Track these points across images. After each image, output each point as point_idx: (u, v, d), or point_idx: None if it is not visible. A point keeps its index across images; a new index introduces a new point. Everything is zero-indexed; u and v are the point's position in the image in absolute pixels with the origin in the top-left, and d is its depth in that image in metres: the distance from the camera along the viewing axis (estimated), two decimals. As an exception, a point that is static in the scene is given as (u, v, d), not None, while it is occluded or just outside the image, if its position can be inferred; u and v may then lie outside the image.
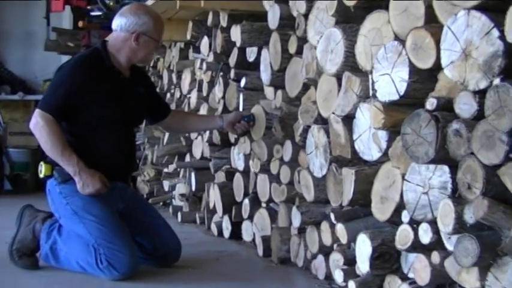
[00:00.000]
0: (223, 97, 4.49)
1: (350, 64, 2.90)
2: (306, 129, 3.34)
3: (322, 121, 3.20)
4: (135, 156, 3.90)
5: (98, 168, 3.46)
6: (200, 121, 4.22)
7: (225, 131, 4.29)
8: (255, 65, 4.09)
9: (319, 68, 3.14)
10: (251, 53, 4.17)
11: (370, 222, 2.85)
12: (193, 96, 5.19)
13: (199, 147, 5.06)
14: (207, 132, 4.81)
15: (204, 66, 4.71)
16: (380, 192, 2.74)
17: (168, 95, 6.06)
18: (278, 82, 3.79)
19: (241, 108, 4.11)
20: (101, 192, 3.44)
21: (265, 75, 3.88)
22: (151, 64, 6.58)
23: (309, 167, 3.29)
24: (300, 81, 3.53)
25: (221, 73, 4.53)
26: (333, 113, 3.02)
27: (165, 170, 5.96)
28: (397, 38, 2.59)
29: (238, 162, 4.30)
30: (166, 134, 5.77)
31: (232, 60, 4.36)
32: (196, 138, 5.14)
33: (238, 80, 4.26)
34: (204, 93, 4.94)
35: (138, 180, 6.50)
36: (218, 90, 4.56)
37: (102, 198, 3.45)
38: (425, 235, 2.45)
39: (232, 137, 4.40)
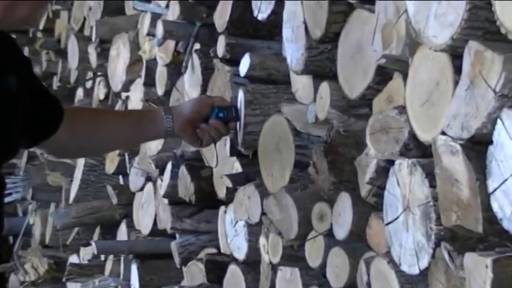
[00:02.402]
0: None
1: (480, 25, 2.14)
2: (385, 169, 2.52)
3: (420, 150, 2.43)
4: (2, 230, 2.55)
5: None
6: (124, 124, 2.83)
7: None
8: (271, 30, 3.05)
9: (411, 33, 2.37)
10: (262, 3, 3.00)
11: None
12: (136, 94, 3.73)
13: (149, 209, 3.59)
14: (166, 179, 3.22)
15: (160, 29, 3.32)
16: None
17: (80, 91, 4.45)
18: (321, 66, 2.73)
19: (242, 121, 3.00)
20: None
21: (293, 51, 2.81)
22: (41, 26, 5.01)
23: (391, 251, 2.48)
24: (368, 62, 2.57)
25: (197, 45, 3.32)
26: (443, 133, 2.30)
27: (72, 259, 4.32)
28: None
29: (235, 242, 3.14)
30: (75, 184, 4.25)
31: (222, 17, 3.15)
32: (141, 188, 3.52)
33: (234, 62, 3.10)
34: (160, 90, 3.49)
35: (12, 283, 4.98)
36: (191, 83, 3.29)
37: None
38: None
39: (220, 188, 3.04)
